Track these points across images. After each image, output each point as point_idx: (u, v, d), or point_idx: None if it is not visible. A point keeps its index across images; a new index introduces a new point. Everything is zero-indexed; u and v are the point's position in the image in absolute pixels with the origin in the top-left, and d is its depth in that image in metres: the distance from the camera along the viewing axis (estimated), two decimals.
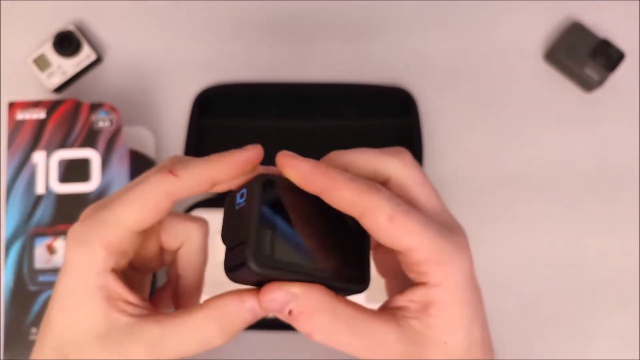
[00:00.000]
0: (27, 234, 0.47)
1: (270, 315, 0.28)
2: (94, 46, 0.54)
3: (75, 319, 0.28)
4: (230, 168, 0.28)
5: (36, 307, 0.46)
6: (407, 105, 0.53)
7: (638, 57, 0.54)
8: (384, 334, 0.28)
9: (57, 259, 0.47)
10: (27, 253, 0.47)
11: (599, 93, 0.54)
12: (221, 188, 0.29)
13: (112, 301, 0.28)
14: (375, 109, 0.54)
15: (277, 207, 0.27)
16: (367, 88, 0.54)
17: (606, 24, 0.54)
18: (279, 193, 0.28)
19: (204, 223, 0.33)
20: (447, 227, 0.29)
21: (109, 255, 0.28)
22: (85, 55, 0.53)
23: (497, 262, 0.51)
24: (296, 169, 0.27)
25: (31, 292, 0.46)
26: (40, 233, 0.47)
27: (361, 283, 0.28)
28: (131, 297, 0.29)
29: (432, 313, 0.28)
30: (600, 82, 0.52)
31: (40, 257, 0.47)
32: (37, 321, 0.46)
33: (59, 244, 0.47)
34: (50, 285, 0.46)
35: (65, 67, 0.53)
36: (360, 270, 0.28)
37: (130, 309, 0.29)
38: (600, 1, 0.55)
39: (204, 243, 0.33)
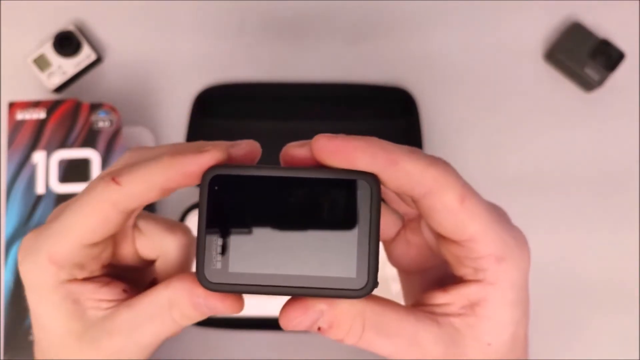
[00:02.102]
0: (27, 234, 0.47)
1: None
2: (94, 46, 0.54)
3: (52, 330, 0.27)
4: (180, 177, 0.24)
5: None
6: (407, 105, 0.53)
7: (638, 57, 0.54)
8: (420, 333, 0.25)
9: None
10: None
11: (599, 93, 0.54)
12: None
13: (82, 302, 0.27)
14: (375, 110, 0.54)
15: (234, 206, 0.23)
16: (367, 88, 0.54)
17: (606, 24, 0.54)
18: (235, 188, 0.23)
19: (184, 236, 0.30)
20: (506, 219, 0.26)
21: (59, 269, 0.26)
22: (85, 55, 0.53)
23: None
24: (346, 147, 0.23)
25: None
26: None
27: (360, 288, 0.23)
28: (105, 293, 0.27)
29: (479, 313, 0.25)
30: (600, 82, 0.52)
31: None
32: None
33: None
34: None
35: (65, 67, 0.53)
36: (360, 271, 0.23)
37: (105, 304, 0.27)
38: (600, 1, 0.55)
39: (181, 259, 0.30)
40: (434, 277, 0.29)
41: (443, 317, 0.26)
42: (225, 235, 0.23)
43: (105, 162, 0.48)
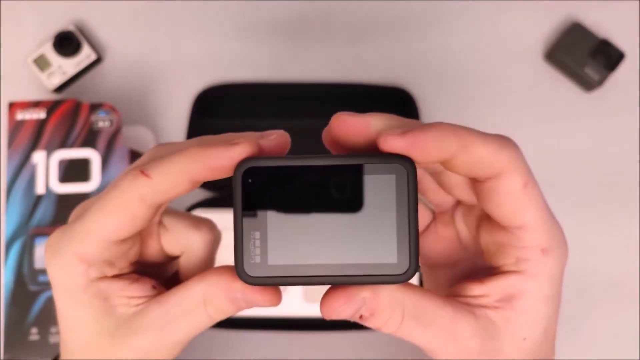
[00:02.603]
0: (27, 234, 0.47)
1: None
2: (94, 46, 0.54)
3: (82, 330, 0.27)
4: (210, 170, 0.24)
5: (36, 307, 0.46)
6: (407, 105, 0.53)
7: (638, 57, 0.54)
8: (457, 325, 0.25)
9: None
10: (27, 253, 0.47)
11: (599, 93, 0.54)
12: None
13: (112, 300, 0.27)
14: (375, 109, 0.53)
15: (269, 196, 0.23)
16: (367, 88, 0.54)
17: (606, 24, 0.54)
18: (269, 178, 0.23)
19: (209, 232, 0.29)
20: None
21: (88, 267, 0.26)
22: (85, 55, 0.53)
23: None
24: (419, 143, 0.23)
25: (31, 292, 0.46)
26: (41, 233, 0.47)
27: (402, 273, 0.23)
28: (135, 290, 0.27)
29: (517, 306, 0.25)
30: (600, 82, 0.52)
31: (41, 257, 0.47)
32: (37, 321, 0.46)
33: None
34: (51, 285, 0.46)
35: (65, 67, 0.53)
36: (401, 256, 0.23)
37: (135, 301, 0.27)
38: (600, 1, 0.55)
39: (206, 254, 0.30)
40: (461, 270, 0.29)
41: (479, 309, 0.26)
42: (262, 227, 0.23)
43: (105, 162, 0.48)
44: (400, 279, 0.23)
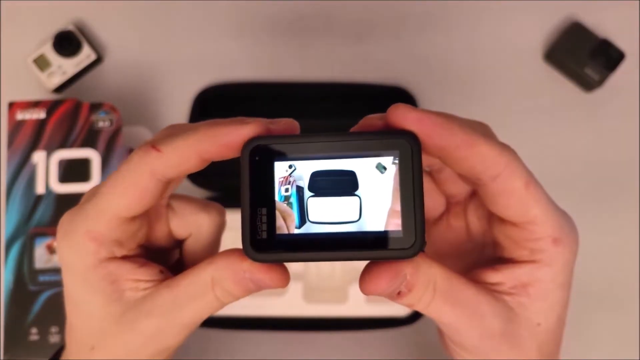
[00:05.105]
0: (27, 234, 0.47)
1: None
2: (94, 46, 0.54)
3: (89, 313, 0.27)
4: (220, 147, 0.24)
5: (36, 307, 0.46)
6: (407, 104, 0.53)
7: (638, 57, 0.54)
8: (481, 305, 0.26)
9: (57, 259, 0.47)
10: (27, 253, 0.47)
11: (599, 93, 0.54)
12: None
13: (120, 283, 0.27)
14: (374, 108, 0.53)
15: (275, 173, 0.23)
16: (367, 88, 0.54)
17: (606, 24, 0.54)
18: (275, 156, 0.24)
19: (217, 214, 0.30)
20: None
21: (99, 246, 0.26)
22: (85, 55, 0.53)
23: None
24: (426, 121, 0.23)
25: (31, 292, 0.46)
26: (40, 233, 0.47)
27: (409, 247, 0.22)
28: (143, 273, 0.27)
29: (532, 293, 0.26)
30: (600, 82, 0.52)
31: (40, 257, 0.47)
32: (37, 321, 0.46)
33: None
34: (50, 285, 0.46)
35: (65, 67, 0.53)
36: (406, 229, 0.22)
37: (142, 284, 0.27)
38: (600, 1, 0.55)
39: (213, 237, 0.30)
40: (468, 262, 0.30)
41: (496, 294, 0.26)
42: (269, 204, 0.23)
43: (105, 162, 0.48)
44: (408, 254, 0.23)
